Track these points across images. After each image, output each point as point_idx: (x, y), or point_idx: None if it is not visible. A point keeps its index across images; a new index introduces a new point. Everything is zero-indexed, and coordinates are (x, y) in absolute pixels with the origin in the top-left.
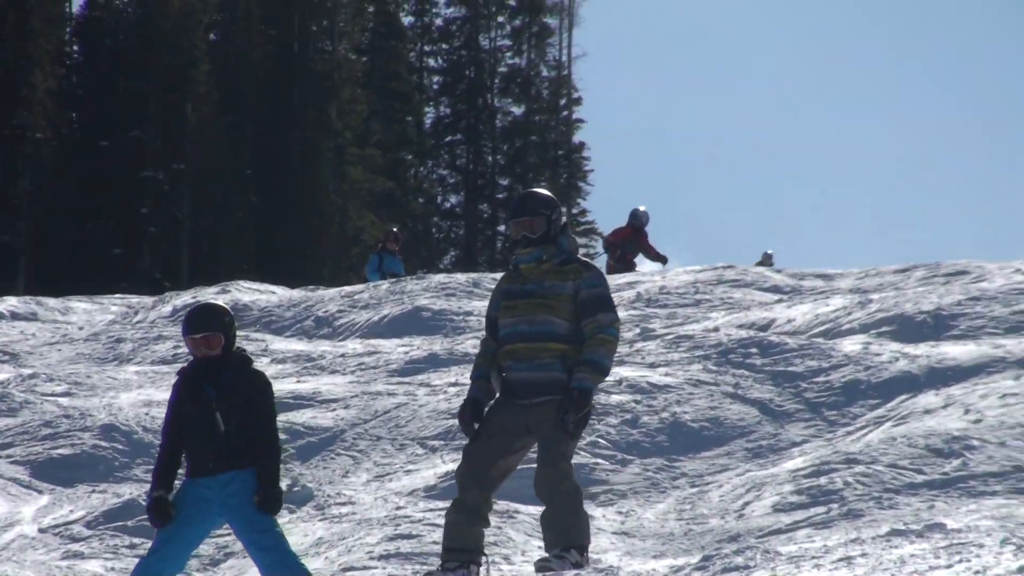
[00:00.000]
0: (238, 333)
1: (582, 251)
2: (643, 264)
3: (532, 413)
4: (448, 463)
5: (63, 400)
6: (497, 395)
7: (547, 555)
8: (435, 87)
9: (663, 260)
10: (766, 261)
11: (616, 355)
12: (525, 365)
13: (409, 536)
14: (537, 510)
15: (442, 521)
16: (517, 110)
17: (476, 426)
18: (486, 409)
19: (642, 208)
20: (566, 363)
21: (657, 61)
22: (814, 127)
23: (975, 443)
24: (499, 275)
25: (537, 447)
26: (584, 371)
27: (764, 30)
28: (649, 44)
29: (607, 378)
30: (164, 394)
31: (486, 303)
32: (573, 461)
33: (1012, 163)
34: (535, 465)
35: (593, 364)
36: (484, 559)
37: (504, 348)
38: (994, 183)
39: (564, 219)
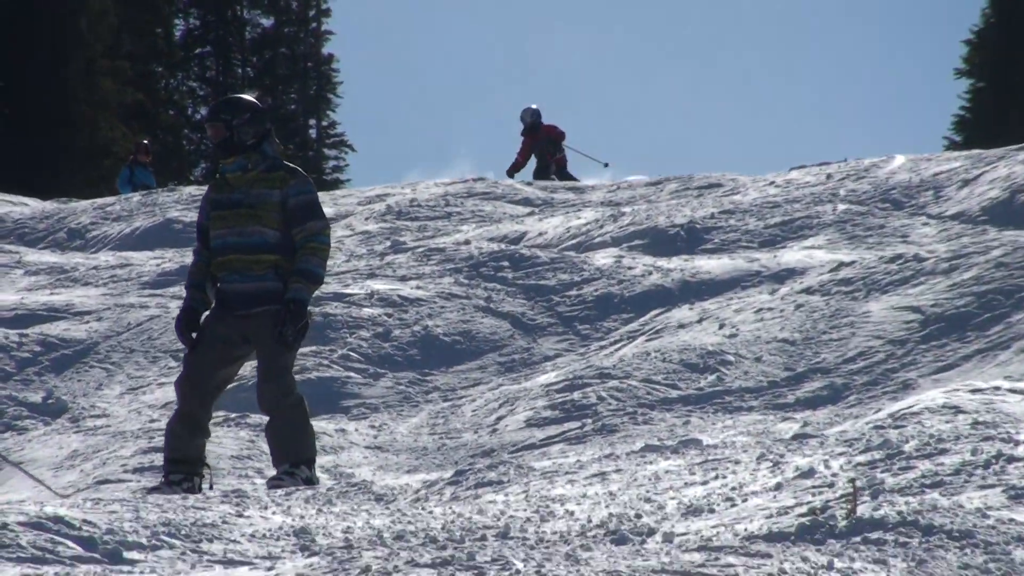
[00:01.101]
0: None
1: (331, 162)
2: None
3: (249, 323)
4: None
5: None
6: (212, 304)
7: (276, 471)
8: None
9: (561, 136)
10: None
11: (368, 267)
12: (238, 276)
13: (162, 450)
14: None
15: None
16: (267, 22)
17: (193, 336)
18: (202, 318)
19: (533, 106)
20: (280, 272)
21: None
22: (572, 37)
23: (730, 358)
24: None
25: (256, 362)
26: (298, 281)
27: None
28: None
29: (321, 285)
30: None
31: None
32: (301, 375)
33: (759, 77)
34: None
35: (307, 273)
36: (207, 470)
37: (217, 260)
38: (746, 96)
39: (268, 125)
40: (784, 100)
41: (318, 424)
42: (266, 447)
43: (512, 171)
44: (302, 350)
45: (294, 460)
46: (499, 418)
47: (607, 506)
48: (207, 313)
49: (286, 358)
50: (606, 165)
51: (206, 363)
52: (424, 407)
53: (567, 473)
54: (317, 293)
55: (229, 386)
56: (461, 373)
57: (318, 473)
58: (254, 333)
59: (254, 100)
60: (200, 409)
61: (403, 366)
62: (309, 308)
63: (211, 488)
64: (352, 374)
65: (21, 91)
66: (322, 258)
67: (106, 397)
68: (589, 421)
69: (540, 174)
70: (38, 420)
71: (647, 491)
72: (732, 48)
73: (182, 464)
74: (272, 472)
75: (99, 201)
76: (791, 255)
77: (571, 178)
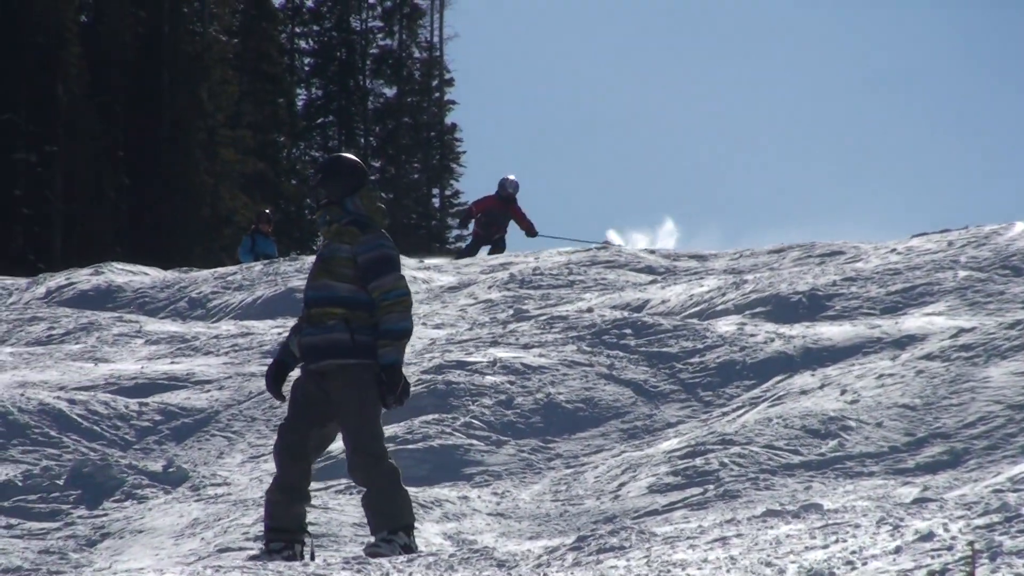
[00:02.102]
0: (115, 313)
1: (455, 232)
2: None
3: (327, 383)
4: None
5: None
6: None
7: (375, 539)
8: (307, 69)
9: (532, 231)
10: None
11: (491, 335)
12: (311, 329)
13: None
14: (415, 490)
15: (319, 503)
16: (389, 91)
17: (281, 390)
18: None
19: (511, 177)
20: (350, 325)
21: (528, 41)
22: (695, 108)
23: (851, 424)
24: None
25: (342, 431)
26: (384, 345)
27: (639, 8)
28: (520, 23)
29: (409, 338)
30: (39, 375)
31: None
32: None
33: (880, 145)
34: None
35: (388, 333)
36: (307, 538)
37: (303, 314)
38: (868, 165)
39: (358, 182)
40: (908, 166)
41: (441, 491)
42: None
43: (465, 221)
44: (425, 418)
45: (392, 527)
46: (621, 484)
47: (728, 571)
48: (297, 372)
49: (371, 426)
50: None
51: (298, 426)
52: (546, 474)
53: (688, 538)
54: (440, 362)
55: (329, 446)
56: (583, 440)
57: (441, 540)
58: (334, 392)
59: (343, 156)
60: (298, 474)
61: (526, 433)
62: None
63: (312, 557)
64: (475, 441)
65: (144, 161)
66: (400, 312)
67: (227, 466)
68: (711, 487)
69: (475, 246)
70: (158, 489)
71: (768, 555)
72: (856, 110)
73: (281, 532)
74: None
75: (220, 270)
76: (912, 321)
77: (502, 248)
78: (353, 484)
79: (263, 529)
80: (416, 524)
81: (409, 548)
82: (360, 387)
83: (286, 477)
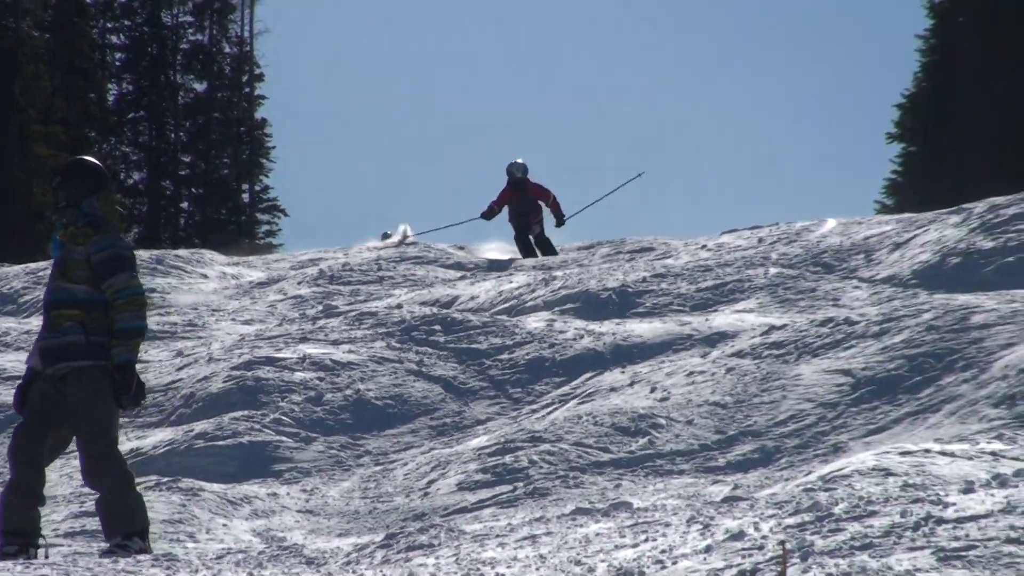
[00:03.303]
0: None
1: (264, 227)
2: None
3: (64, 386)
4: (133, 440)
5: None
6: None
7: (109, 545)
8: (118, 64)
9: (559, 215)
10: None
11: (300, 331)
12: (49, 334)
13: (94, 514)
14: (223, 487)
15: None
16: (200, 86)
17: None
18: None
19: (518, 160)
20: (86, 326)
21: (340, 35)
22: (504, 100)
23: (661, 421)
24: (182, 252)
25: (75, 435)
26: (116, 344)
27: (450, 5)
28: (331, 18)
29: (142, 337)
30: None
31: (169, 280)
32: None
33: (688, 143)
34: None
35: (121, 332)
36: (42, 540)
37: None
38: (678, 161)
39: (96, 184)
40: (716, 164)
41: (250, 488)
42: (198, 511)
43: (487, 215)
44: (234, 414)
45: (127, 532)
46: (431, 482)
47: (537, 569)
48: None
49: (105, 429)
50: (640, 175)
51: (32, 430)
52: (356, 471)
53: (498, 536)
54: (249, 358)
55: (65, 449)
56: (393, 437)
57: (250, 537)
58: (69, 395)
59: (84, 159)
60: (32, 477)
61: (335, 430)
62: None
63: (47, 558)
64: (284, 438)
65: None
66: (132, 311)
67: None
68: (520, 484)
69: (521, 239)
70: None
71: (577, 554)
72: (663, 108)
73: (15, 536)
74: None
75: (32, 266)
76: (722, 318)
77: (550, 247)
78: (164, 482)
79: None
80: (149, 528)
81: (144, 552)
82: (94, 390)
83: (21, 480)
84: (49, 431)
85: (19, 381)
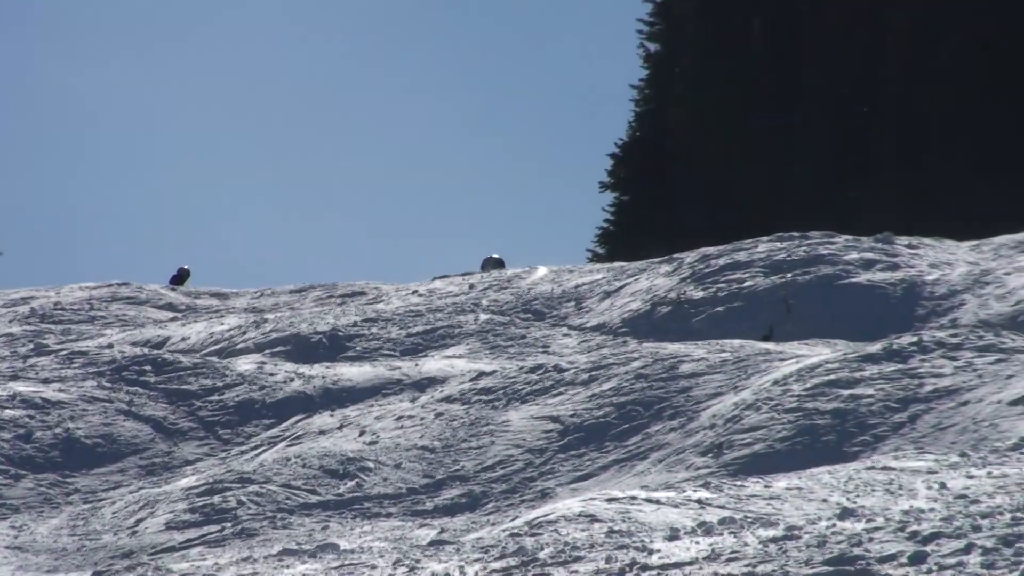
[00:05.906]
0: None
1: None
2: None
3: None
4: None
5: None
6: None
7: None
8: None
9: None
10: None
11: (10, 369)
12: None
13: None
14: None
15: None
16: None
17: None
18: None
19: (495, 256)
20: None
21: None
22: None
23: (370, 464)
24: None
25: None
26: None
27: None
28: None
29: None
30: None
31: None
32: None
33: (400, 190)
34: None
35: None
36: None
37: None
38: (387, 209)
39: None
40: (429, 210)
41: None
42: None
43: None
44: None
45: None
46: (139, 520)
47: None
48: None
49: None
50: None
51: None
52: (65, 508)
53: (205, 575)
54: None
55: None
56: (102, 475)
57: None
58: None
59: None
60: None
61: (44, 467)
62: None
63: None
64: None
65: None
66: None
67: None
68: (228, 525)
69: None
70: None
71: None
72: (373, 158)
73: None
74: None
75: None
76: (432, 364)
77: None
78: None
79: None
80: None
81: None
82: None
83: None
84: None
85: None
